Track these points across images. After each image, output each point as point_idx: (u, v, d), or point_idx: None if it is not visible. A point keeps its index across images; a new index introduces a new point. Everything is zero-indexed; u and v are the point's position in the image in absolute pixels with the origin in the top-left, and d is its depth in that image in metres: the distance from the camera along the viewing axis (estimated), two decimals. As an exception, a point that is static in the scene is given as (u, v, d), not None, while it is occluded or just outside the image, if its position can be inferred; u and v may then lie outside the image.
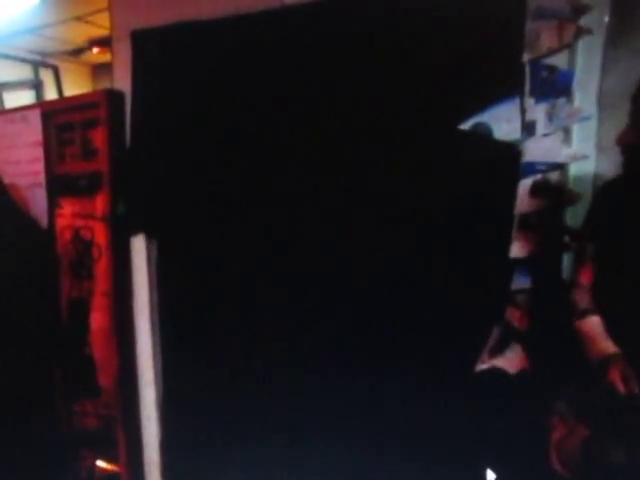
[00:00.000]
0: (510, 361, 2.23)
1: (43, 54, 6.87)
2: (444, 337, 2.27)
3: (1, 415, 2.79)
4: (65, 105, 3.20)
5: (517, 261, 2.18)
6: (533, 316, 2.23)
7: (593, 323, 2.07)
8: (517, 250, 2.17)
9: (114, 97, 2.84)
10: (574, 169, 2.20)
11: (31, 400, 2.89)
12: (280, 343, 2.56)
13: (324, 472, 2.55)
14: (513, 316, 2.24)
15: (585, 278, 2.13)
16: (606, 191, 2.13)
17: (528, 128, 2.13)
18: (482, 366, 2.23)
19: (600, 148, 2.21)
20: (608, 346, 2.01)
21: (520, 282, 2.21)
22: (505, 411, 2.17)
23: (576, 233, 2.20)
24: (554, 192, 2.18)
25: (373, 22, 2.26)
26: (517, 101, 2.10)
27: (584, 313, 2.09)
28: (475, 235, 2.21)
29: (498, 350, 2.24)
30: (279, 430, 2.62)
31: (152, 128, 2.77)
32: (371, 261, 2.36)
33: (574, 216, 2.20)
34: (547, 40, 2.06)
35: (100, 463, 3.24)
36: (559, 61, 2.11)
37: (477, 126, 2.15)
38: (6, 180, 3.04)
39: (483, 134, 2.14)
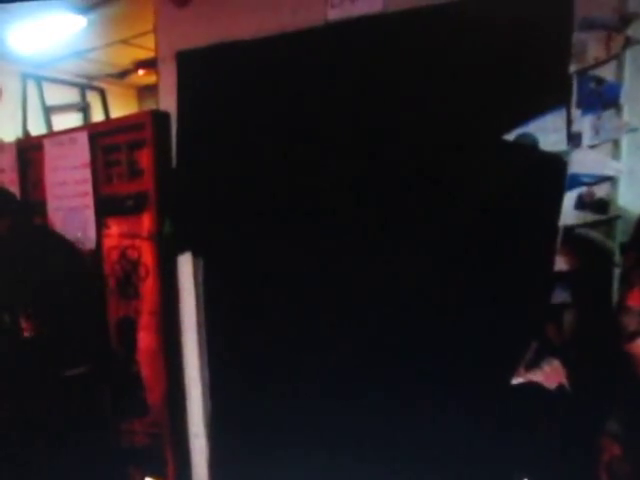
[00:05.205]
0: (548, 376, 2.19)
1: (90, 77, 7.00)
2: (482, 350, 2.26)
3: (51, 434, 2.83)
4: (111, 127, 3.27)
5: (559, 275, 2.15)
6: (578, 334, 2.18)
7: None
8: (560, 264, 2.14)
9: (159, 118, 2.88)
10: (624, 182, 2.14)
11: (80, 419, 2.92)
12: (329, 359, 2.55)
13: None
14: (551, 330, 2.20)
15: (634, 301, 1.99)
16: None
17: (574, 139, 2.11)
18: (518, 380, 2.21)
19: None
20: None
21: (560, 296, 2.18)
22: (541, 427, 2.15)
23: (624, 250, 2.13)
24: (601, 205, 2.14)
25: (420, 36, 2.27)
26: (563, 112, 2.09)
27: (634, 335, 2.02)
28: (518, 247, 2.19)
29: (534, 364, 2.21)
30: (328, 448, 2.60)
31: (198, 147, 2.80)
32: (413, 273, 2.35)
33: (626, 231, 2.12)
34: (594, 51, 2.05)
35: (148, 481, 3.26)
36: (607, 72, 2.08)
37: (523, 136, 2.14)
38: (54, 202, 3.10)
39: (529, 144, 2.13)
